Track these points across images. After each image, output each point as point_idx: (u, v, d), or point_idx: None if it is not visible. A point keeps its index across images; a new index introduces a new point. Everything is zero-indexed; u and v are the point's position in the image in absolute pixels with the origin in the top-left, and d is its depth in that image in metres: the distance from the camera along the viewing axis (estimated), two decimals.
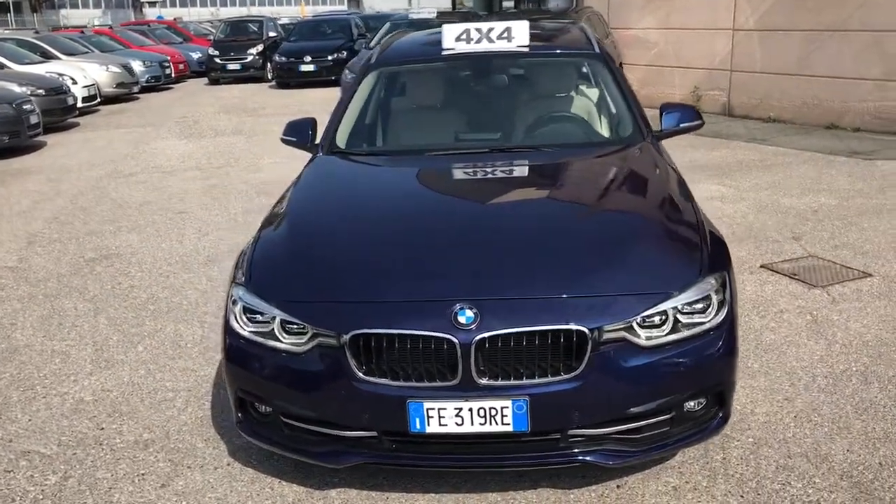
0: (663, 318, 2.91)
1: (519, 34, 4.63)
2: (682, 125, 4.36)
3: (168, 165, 10.62)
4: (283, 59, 20.34)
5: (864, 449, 3.40)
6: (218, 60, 22.16)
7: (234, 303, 3.21)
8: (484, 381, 2.81)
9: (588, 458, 2.93)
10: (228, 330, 3.19)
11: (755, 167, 8.91)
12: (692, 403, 3.01)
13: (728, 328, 3.00)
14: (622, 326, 2.84)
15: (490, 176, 4.08)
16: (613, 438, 2.96)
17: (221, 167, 10.28)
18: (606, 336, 2.81)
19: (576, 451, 2.94)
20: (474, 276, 3.01)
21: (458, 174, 4.14)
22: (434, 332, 2.80)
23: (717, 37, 12.43)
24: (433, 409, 2.84)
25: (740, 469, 3.30)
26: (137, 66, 19.89)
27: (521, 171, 4.14)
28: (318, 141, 4.58)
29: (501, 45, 4.64)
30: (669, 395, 2.93)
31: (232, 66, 22.09)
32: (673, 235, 3.31)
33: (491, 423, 2.83)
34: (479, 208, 3.69)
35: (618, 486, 3.22)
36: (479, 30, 4.65)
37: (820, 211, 7.03)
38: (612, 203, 3.46)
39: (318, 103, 16.33)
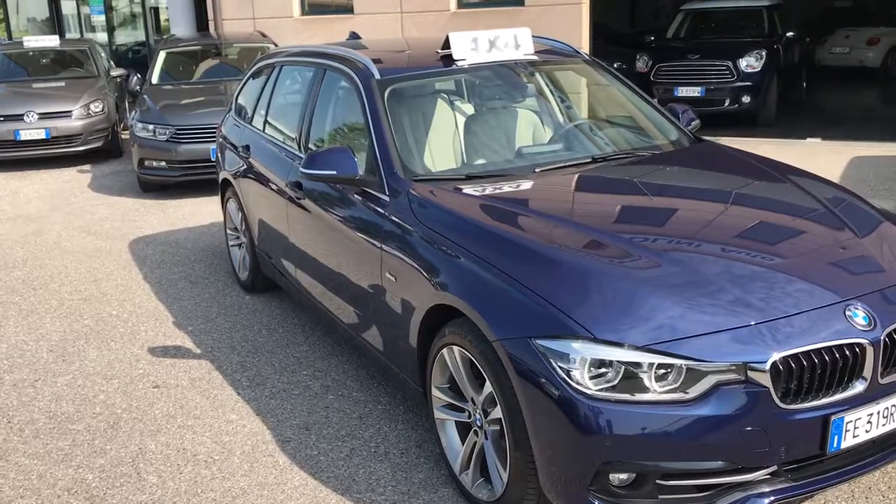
0: None
1: (524, 42, 4.38)
2: (692, 123, 4.55)
3: None
4: None
5: None
6: None
7: (567, 359, 2.59)
8: (885, 380, 2.72)
9: None
10: (571, 393, 2.57)
11: None
12: None
13: None
14: None
15: (668, 184, 3.88)
16: None
17: None
18: None
19: None
20: (829, 273, 2.91)
21: (642, 186, 3.78)
22: (846, 338, 2.64)
23: None
24: (851, 421, 2.66)
25: None
26: None
27: (681, 176, 3.97)
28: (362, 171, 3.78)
29: (510, 54, 4.35)
30: None
31: None
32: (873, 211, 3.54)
33: (890, 422, 2.75)
34: (725, 213, 3.48)
35: None
36: (488, 38, 4.31)
37: None
38: (811, 192, 3.55)
39: None
